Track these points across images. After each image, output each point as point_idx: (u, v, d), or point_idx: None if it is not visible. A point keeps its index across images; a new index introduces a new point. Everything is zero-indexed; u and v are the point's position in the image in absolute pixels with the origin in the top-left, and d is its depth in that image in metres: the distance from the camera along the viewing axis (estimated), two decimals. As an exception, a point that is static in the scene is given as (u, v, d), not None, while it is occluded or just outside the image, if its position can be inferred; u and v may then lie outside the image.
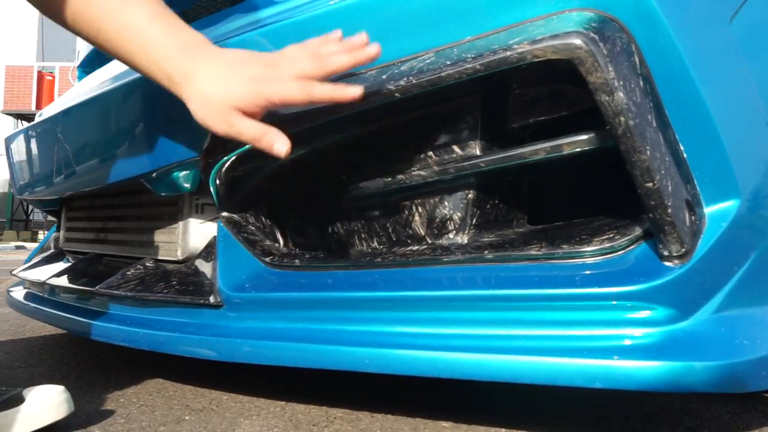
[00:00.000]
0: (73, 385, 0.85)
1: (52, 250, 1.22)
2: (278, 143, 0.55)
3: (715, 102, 0.57)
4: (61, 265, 1.04)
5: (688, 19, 0.57)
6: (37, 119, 1.09)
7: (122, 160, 0.80)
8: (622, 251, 0.56)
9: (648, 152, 0.53)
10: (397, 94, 0.59)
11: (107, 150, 0.82)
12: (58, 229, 1.26)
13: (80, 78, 1.34)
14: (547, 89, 0.63)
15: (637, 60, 0.55)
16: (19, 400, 0.62)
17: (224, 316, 0.70)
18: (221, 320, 0.70)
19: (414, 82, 0.58)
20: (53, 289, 0.95)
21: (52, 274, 0.99)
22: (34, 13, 24.22)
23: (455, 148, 0.64)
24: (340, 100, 0.55)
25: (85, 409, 0.74)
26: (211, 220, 0.82)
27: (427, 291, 0.61)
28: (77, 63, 1.36)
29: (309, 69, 0.55)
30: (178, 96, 0.59)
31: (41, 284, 0.98)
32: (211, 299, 0.70)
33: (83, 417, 0.70)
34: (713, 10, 0.60)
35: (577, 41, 0.53)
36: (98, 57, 1.29)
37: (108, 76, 0.93)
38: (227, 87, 0.56)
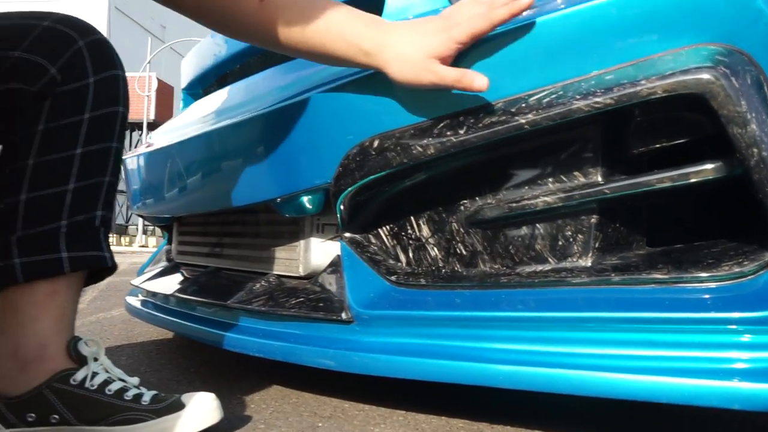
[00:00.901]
0: (202, 390, 0.93)
1: (165, 262, 1.31)
2: (477, 80, 0.62)
3: None
4: (183, 278, 1.13)
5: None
6: (156, 144, 1.18)
7: (249, 186, 0.87)
8: (752, 276, 0.58)
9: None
10: (526, 127, 0.63)
11: (234, 176, 0.89)
12: (169, 242, 1.35)
13: (186, 101, 1.43)
14: (668, 116, 0.66)
15: (767, 91, 0.57)
16: (179, 406, 0.69)
17: (355, 331, 0.75)
18: (352, 335, 0.75)
19: (543, 115, 0.62)
20: (182, 301, 1.04)
21: (177, 287, 1.08)
22: (102, 22, 25.34)
23: (578, 174, 0.67)
24: (518, 13, 0.62)
25: (224, 413, 0.80)
26: (331, 239, 0.88)
27: (554, 312, 0.64)
28: (182, 85, 1.45)
29: (480, 10, 0.63)
30: (374, 66, 0.68)
31: (169, 296, 1.06)
32: (343, 315, 0.75)
33: (225, 422, 0.77)
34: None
35: (708, 76, 0.56)
36: (201, 80, 1.38)
37: (231, 103, 1.00)
38: (421, 41, 0.65)
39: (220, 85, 1.24)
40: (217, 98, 1.12)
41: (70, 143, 0.67)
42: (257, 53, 1.11)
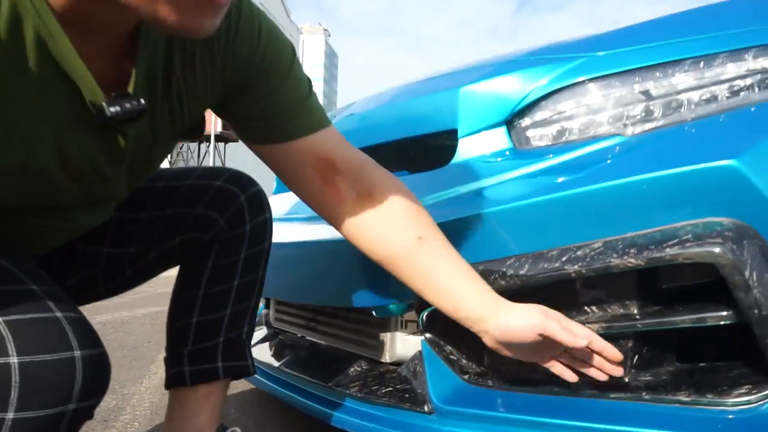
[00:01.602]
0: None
1: (265, 328, 1.53)
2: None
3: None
4: (283, 349, 1.34)
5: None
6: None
7: (346, 292, 1.06)
8: (756, 404, 0.72)
9: (778, 334, 0.70)
10: (572, 275, 0.80)
11: (333, 281, 1.09)
12: (267, 307, 1.57)
13: (279, 181, 1.65)
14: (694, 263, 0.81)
15: None
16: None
17: (436, 421, 0.93)
18: (434, 425, 0.93)
19: (586, 268, 0.78)
20: (285, 373, 1.24)
21: (279, 358, 1.29)
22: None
23: (617, 306, 0.83)
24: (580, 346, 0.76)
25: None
26: (413, 334, 1.06)
27: (595, 423, 0.81)
28: (273, 189, 1.67)
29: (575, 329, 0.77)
30: (472, 328, 0.80)
31: (275, 368, 1.28)
32: (425, 408, 0.94)
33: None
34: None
35: (718, 249, 0.71)
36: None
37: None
38: (528, 316, 0.77)
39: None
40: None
41: (230, 277, 0.89)
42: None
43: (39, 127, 0.58)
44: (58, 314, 0.59)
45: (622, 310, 0.83)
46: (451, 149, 1.04)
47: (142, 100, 0.62)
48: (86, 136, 0.62)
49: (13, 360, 0.56)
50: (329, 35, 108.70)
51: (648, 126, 0.88)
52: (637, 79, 0.91)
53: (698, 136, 0.81)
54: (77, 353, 0.58)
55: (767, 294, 0.70)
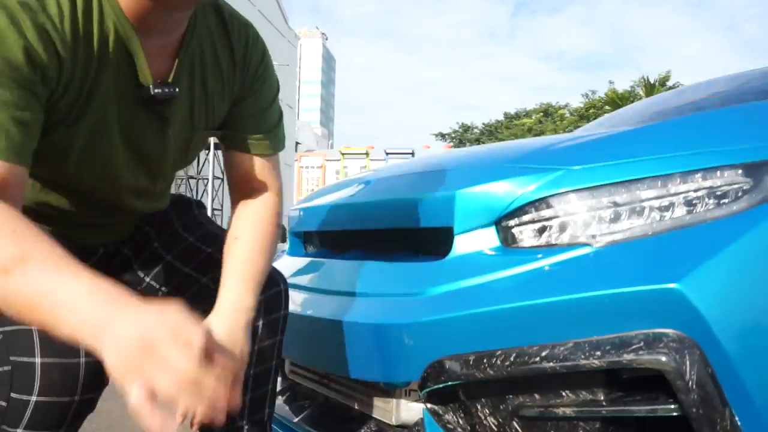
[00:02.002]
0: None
1: (280, 377, 1.69)
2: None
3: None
4: (299, 401, 1.50)
5: (740, 333, 0.90)
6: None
7: (357, 366, 1.22)
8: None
9: (713, 427, 0.86)
10: (548, 371, 0.96)
11: (346, 354, 1.25)
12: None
13: (292, 242, 1.81)
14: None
15: (706, 366, 0.88)
16: None
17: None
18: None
19: (559, 365, 0.95)
20: (303, 429, 1.41)
21: (296, 411, 1.46)
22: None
23: (587, 393, 1.00)
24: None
25: None
26: (416, 401, 1.23)
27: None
28: (292, 225, 1.83)
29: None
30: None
31: (292, 422, 1.44)
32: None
33: None
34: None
35: (664, 358, 0.88)
36: (295, 247, 1.76)
37: (347, 288, 1.37)
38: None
39: (329, 245, 1.62)
40: (329, 270, 1.48)
41: (271, 357, 1.06)
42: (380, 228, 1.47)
43: (109, 98, 0.83)
44: None
45: (590, 396, 1.00)
46: (449, 241, 1.20)
47: (177, 89, 0.87)
48: (141, 110, 0.87)
49: (37, 360, 0.82)
50: (327, 39, 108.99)
51: (614, 237, 1.04)
52: (605, 193, 1.08)
53: (653, 253, 0.98)
54: (82, 360, 0.83)
55: (703, 396, 0.87)
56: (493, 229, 1.15)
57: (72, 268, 0.64)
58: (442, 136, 71.26)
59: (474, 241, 1.16)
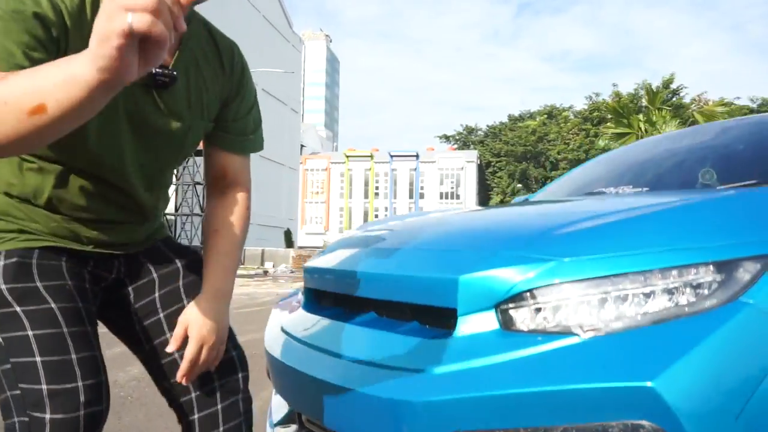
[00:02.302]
0: None
1: (296, 426, 1.83)
2: None
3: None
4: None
5: (710, 425, 1.03)
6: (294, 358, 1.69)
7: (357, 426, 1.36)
8: None
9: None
10: None
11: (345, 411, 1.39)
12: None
13: (306, 305, 1.95)
14: None
15: (676, 454, 1.01)
16: None
17: None
18: None
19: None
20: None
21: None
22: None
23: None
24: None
25: None
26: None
27: None
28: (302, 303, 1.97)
29: None
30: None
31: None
32: None
33: None
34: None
35: (641, 447, 1.01)
36: (311, 304, 1.89)
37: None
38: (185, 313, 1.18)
39: (341, 304, 1.75)
40: (341, 332, 1.62)
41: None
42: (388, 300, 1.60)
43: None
44: (73, 356, 1.02)
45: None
46: (453, 320, 1.34)
47: (175, 72, 1.03)
48: (143, 91, 1.03)
49: (44, 387, 1.00)
50: (331, 41, 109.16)
51: (600, 329, 1.17)
52: (592, 286, 1.21)
53: (633, 347, 1.11)
54: (80, 384, 1.02)
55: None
56: (493, 313, 1.29)
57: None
58: (447, 138, 71.54)
59: (476, 323, 1.30)
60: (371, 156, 62.56)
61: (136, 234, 1.22)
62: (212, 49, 1.16)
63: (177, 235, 25.91)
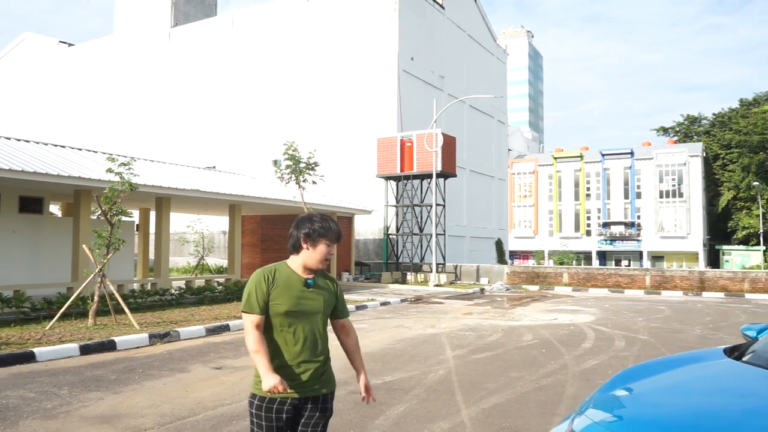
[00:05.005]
0: None
1: None
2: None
3: None
4: None
5: None
6: None
7: None
8: None
9: None
10: None
11: None
12: None
13: None
14: None
15: None
16: None
17: None
18: None
19: None
20: None
21: None
22: (393, 91, 28.22)
23: None
24: None
25: None
26: None
27: None
28: None
29: None
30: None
31: None
32: None
33: None
34: None
35: None
36: None
37: None
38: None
39: None
40: None
41: None
42: None
43: (297, 288, 2.72)
44: None
45: None
46: None
47: (314, 282, 2.75)
48: (304, 290, 2.72)
49: None
50: (532, 36, 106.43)
51: None
52: None
53: None
54: None
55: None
56: None
57: (264, 357, 2.61)
58: (665, 130, 64.94)
59: None
60: (581, 156, 59.38)
61: (315, 376, 2.74)
62: (326, 274, 2.86)
63: (399, 253, 27.19)
